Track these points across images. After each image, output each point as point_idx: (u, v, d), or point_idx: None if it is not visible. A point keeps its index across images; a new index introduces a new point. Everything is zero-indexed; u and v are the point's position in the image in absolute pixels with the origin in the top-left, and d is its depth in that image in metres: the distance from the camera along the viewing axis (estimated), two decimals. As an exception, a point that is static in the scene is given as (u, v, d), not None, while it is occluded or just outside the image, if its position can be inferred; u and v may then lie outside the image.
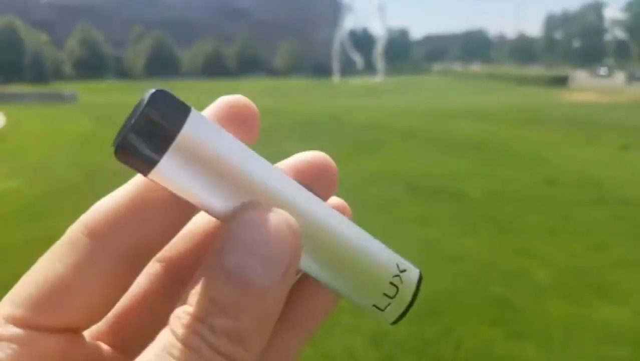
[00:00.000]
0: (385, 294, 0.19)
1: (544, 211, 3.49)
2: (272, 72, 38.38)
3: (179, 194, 0.16)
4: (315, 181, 0.19)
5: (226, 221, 0.16)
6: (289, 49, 40.51)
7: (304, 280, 0.19)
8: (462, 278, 2.40)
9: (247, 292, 0.15)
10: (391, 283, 0.19)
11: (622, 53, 53.35)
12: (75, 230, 0.17)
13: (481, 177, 4.43)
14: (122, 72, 34.14)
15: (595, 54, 54.58)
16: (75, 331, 0.17)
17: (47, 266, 0.16)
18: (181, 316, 0.15)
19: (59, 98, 13.05)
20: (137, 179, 0.17)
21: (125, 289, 0.17)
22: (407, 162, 5.17)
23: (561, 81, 22.62)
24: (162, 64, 34.04)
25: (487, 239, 2.93)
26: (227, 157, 0.16)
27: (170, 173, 0.15)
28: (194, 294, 0.15)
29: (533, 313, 2.09)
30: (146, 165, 0.15)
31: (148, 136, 0.15)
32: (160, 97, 0.15)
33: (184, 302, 0.15)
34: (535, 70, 35.71)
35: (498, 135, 6.93)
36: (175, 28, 40.88)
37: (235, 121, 0.18)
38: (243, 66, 37.60)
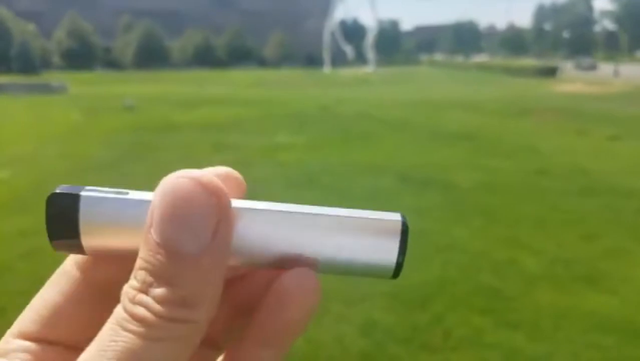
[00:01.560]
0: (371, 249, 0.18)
1: (534, 201, 3.52)
2: (263, 63, 38.10)
3: (119, 253, 0.18)
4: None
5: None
6: (279, 40, 40.20)
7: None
8: (452, 268, 2.42)
9: (178, 260, 0.15)
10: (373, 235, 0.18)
11: (611, 44, 53.69)
12: (69, 262, 0.20)
13: (472, 167, 4.44)
14: (111, 63, 33.70)
15: (585, 44, 54.85)
16: (71, 346, 0.19)
17: (47, 291, 0.19)
18: (127, 291, 0.16)
19: (47, 89, 12.85)
20: None
21: (106, 314, 0.18)
22: (398, 153, 5.17)
23: (550, 72, 22.72)
24: (151, 54, 33.63)
25: (478, 229, 2.95)
26: (128, 208, 0.17)
27: (100, 242, 0.17)
28: (137, 269, 0.16)
29: (523, 302, 2.10)
30: (78, 250, 0.18)
31: (61, 233, 0.17)
32: (54, 199, 0.18)
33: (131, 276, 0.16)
34: (525, 61, 35.72)
35: (488, 126, 6.95)
36: (165, 18, 40.37)
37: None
38: (233, 56, 37.27)
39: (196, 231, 0.16)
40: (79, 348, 0.18)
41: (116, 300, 0.18)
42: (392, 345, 1.80)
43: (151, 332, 0.15)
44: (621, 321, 1.95)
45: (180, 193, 0.16)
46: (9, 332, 0.19)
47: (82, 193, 0.18)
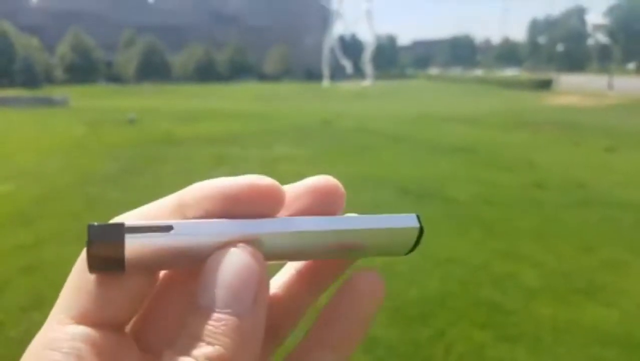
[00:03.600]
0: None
1: (532, 213, 3.54)
2: (263, 77, 38.38)
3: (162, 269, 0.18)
4: (321, 203, 0.20)
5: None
6: (279, 54, 40.55)
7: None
8: (452, 281, 2.43)
9: (220, 321, 0.16)
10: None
11: (604, 57, 54.15)
12: None
13: (470, 180, 4.47)
14: (114, 77, 33.93)
15: (579, 58, 55.33)
16: (119, 327, 0.18)
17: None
18: (167, 353, 0.16)
19: (49, 102, 12.95)
20: (173, 197, 0.19)
21: (149, 286, 0.19)
22: (397, 166, 5.20)
23: (546, 85, 22.88)
24: (153, 68, 33.89)
25: (477, 242, 2.97)
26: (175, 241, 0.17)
27: (141, 258, 0.17)
28: (179, 336, 0.16)
29: (523, 315, 2.11)
30: (118, 266, 0.17)
31: (104, 266, 0.17)
32: (96, 232, 0.17)
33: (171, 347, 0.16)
34: (516, 73, 35.97)
35: (485, 138, 7.00)
36: (167, 33, 40.74)
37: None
38: (234, 70, 37.55)
39: (240, 292, 0.16)
40: (124, 327, 0.18)
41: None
42: None
43: None
44: (621, 334, 1.96)
45: (228, 260, 0.17)
46: (52, 319, 0.17)
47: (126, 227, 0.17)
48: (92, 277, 0.18)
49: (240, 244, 0.17)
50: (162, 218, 0.18)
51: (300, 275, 0.22)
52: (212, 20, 46.72)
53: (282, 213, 0.20)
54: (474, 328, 2.00)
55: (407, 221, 0.20)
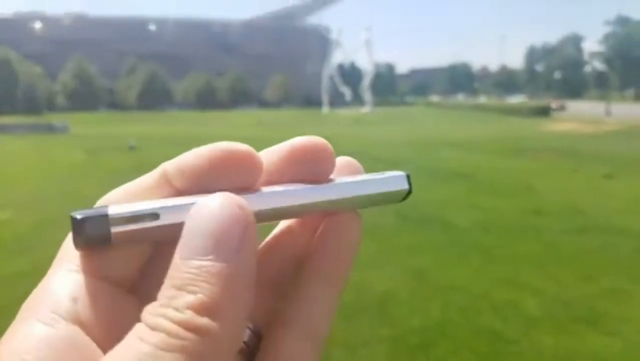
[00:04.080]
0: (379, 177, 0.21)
1: (531, 240, 3.53)
2: (264, 104, 38.82)
3: (149, 240, 0.18)
4: (309, 164, 0.20)
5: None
6: (280, 82, 41.13)
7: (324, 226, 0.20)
8: (453, 310, 2.41)
9: (201, 270, 0.15)
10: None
11: (602, 84, 54.90)
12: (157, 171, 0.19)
13: (469, 206, 4.48)
14: (115, 104, 34.30)
15: (577, 85, 56.10)
16: (121, 283, 0.18)
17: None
18: (147, 308, 0.15)
19: (50, 129, 13.06)
20: (157, 169, 0.19)
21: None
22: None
23: (544, 112, 23.11)
24: (154, 95, 34.30)
25: (477, 269, 2.95)
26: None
27: (127, 231, 0.17)
28: (162, 289, 0.16)
29: (524, 345, 2.09)
30: (104, 240, 0.17)
31: (89, 224, 0.17)
32: (79, 225, 0.17)
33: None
34: (522, 100, 36.35)
35: (484, 165, 7.03)
36: (168, 61, 41.38)
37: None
38: (235, 97, 38.00)
39: (223, 242, 0.16)
40: (125, 285, 0.18)
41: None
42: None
43: (169, 340, 0.14)
44: (624, 363, 1.93)
45: (209, 209, 0.16)
46: (56, 265, 0.18)
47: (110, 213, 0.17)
48: None
49: (222, 193, 0.17)
50: (147, 193, 0.18)
51: (289, 226, 0.22)
52: (214, 48, 47.53)
53: (267, 179, 0.19)
54: (475, 357, 1.98)
55: (397, 183, 0.21)
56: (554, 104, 28.63)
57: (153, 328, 0.15)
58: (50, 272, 0.18)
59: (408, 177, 0.21)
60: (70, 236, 0.18)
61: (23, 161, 7.78)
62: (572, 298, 2.54)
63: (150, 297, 0.17)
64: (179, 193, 0.18)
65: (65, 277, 0.17)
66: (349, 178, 0.20)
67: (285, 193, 0.19)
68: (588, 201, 4.74)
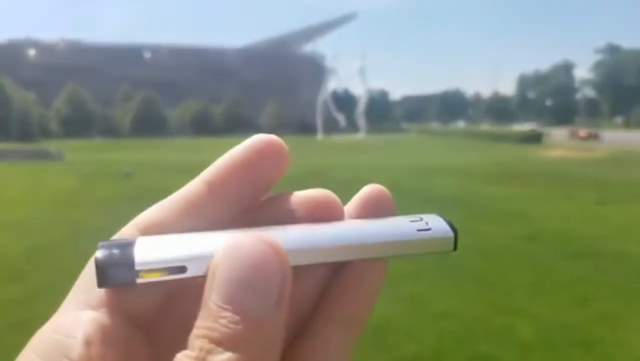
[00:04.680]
0: (419, 230, 0.20)
1: (526, 266, 3.55)
2: (258, 130, 38.56)
3: (174, 279, 0.17)
4: (320, 214, 0.19)
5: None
6: (274, 108, 41.51)
7: (343, 269, 0.19)
8: (448, 336, 2.40)
9: (242, 324, 0.14)
10: (413, 221, 0.20)
11: (592, 111, 55.85)
12: (196, 182, 0.19)
13: (463, 232, 4.41)
14: (109, 131, 34.36)
15: (567, 111, 57.03)
16: (133, 318, 0.17)
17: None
18: (182, 359, 0.15)
19: (44, 156, 13.03)
20: (197, 181, 0.19)
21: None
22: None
23: (536, 138, 23.41)
24: (149, 122, 34.42)
25: (472, 295, 2.95)
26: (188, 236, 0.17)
27: (151, 267, 0.16)
28: (195, 337, 0.15)
29: (520, 370, 2.08)
30: (129, 279, 0.16)
31: (114, 262, 0.16)
32: (104, 254, 0.16)
33: (186, 347, 0.15)
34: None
35: (478, 191, 7.09)
36: (163, 87, 41.72)
37: (264, 155, 0.19)
38: (230, 124, 38.22)
39: (262, 293, 0.15)
40: (140, 322, 0.17)
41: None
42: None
43: None
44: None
45: (244, 252, 0.15)
46: (67, 303, 0.17)
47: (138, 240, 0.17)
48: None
49: (257, 234, 0.16)
50: (193, 210, 0.18)
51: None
52: (208, 75, 48.06)
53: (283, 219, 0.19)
54: (472, 384, 1.96)
55: (442, 236, 0.20)
56: (582, 133, 26.47)
57: None
58: (62, 309, 0.17)
59: (453, 229, 0.20)
60: (84, 272, 0.17)
61: (16, 187, 7.75)
62: (566, 323, 2.54)
63: (162, 335, 0.17)
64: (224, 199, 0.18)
65: (79, 317, 0.16)
66: (388, 222, 0.19)
67: (322, 233, 0.18)
68: (581, 226, 4.78)
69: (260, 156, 0.19)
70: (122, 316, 0.17)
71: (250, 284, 0.15)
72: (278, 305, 0.15)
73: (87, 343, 0.16)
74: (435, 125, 56.66)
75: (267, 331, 0.15)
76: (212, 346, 0.14)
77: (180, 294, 0.18)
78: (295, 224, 0.18)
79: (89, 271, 0.17)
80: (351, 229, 0.19)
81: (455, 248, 0.20)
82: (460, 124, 55.22)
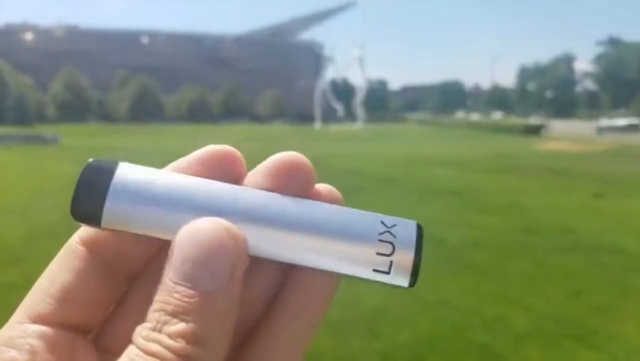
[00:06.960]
0: (379, 254, 0.18)
1: (521, 257, 3.56)
2: (256, 118, 38.89)
3: (135, 233, 0.18)
4: (290, 179, 0.19)
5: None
6: (272, 97, 41.30)
7: (297, 269, 0.19)
8: (443, 324, 2.41)
9: (194, 297, 0.16)
10: (381, 241, 0.19)
11: (592, 103, 55.80)
12: (75, 239, 0.20)
13: (460, 223, 4.50)
14: (106, 116, 34.16)
15: (567, 104, 56.97)
16: (81, 329, 0.18)
17: (54, 270, 0.19)
18: (141, 330, 0.16)
19: (40, 140, 12.97)
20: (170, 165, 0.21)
21: (116, 291, 0.19)
22: (388, 208, 5.20)
23: (535, 130, 23.42)
24: (146, 108, 34.22)
25: (467, 285, 2.96)
26: (163, 187, 0.18)
27: (118, 219, 0.17)
28: (152, 311, 0.16)
29: (513, 360, 2.10)
30: (95, 222, 0.18)
31: (87, 197, 0.18)
32: (91, 166, 0.18)
33: (145, 320, 0.16)
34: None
35: (476, 182, 7.09)
36: (161, 74, 41.44)
37: (219, 166, 0.20)
38: (227, 111, 38.06)
39: (215, 271, 0.16)
40: (88, 331, 0.19)
41: (125, 276, 0.19)
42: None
43: None
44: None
45: (201, 235, 0.17)
46: (13, 319, 0.18)
47: (121, 164, 0.18)
48: (55, 279, 0.18)
49: (214, 218, 0.17)
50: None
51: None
52: (206, 62, 47.73)
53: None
54: (466, 373, 1.98)
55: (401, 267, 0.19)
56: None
57: (147, 353, 0.15)
58: (8, 325, 0.18)
59: (418, 252, 0.19)
60: (31, 290, 0.18)
61: (13, 171, 7.71)
62: (561, 314, 2.56)
63: (108, 341, 0.18)
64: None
65: (25, 330, 0.17)
66: (353, 236, 0.18)
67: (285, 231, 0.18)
68: (578, 219, 4.79)
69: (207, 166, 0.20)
70: (67, 328, 0.18)
71: (205, 263, 0.16)
72: (230, 281, 0.16)
73: (32, 353, 0.17)
74: (433, 115, 56.56)
75: (220, 304, 0.16)
76: (167, 317, 0.16)
77: (126, 305, 0.19)
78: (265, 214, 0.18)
79: (36, 286, 0.18)
80: (311, 242, 0.18)
81: (412, 285, 0.19)
82: (459, 114, 55.02)
